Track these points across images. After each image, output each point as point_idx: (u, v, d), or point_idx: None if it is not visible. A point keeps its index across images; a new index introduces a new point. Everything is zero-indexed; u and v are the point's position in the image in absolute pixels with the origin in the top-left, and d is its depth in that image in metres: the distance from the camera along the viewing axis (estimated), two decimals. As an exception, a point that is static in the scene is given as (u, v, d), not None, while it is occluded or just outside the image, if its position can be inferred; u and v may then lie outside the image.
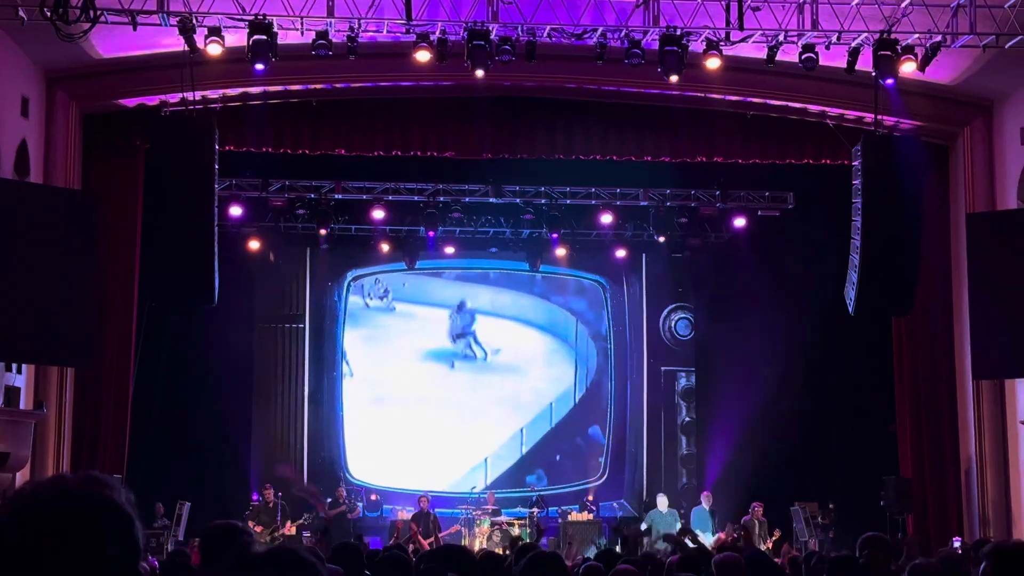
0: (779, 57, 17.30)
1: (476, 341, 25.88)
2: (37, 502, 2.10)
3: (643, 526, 21.57)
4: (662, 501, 22.24)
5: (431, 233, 23.87)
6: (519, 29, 16.76)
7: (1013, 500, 19.68)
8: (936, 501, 20.66)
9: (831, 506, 21.58)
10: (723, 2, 16.67)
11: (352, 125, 20.44)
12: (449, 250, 24.83)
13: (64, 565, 2.06)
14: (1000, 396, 20.03)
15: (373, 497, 23.74)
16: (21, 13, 15.47)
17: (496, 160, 21.39)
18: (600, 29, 16.89)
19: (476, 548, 19.29)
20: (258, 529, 20.43)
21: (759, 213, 23.83)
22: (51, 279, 16.79)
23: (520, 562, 6.09)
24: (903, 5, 16.63)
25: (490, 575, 7.33)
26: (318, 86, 19.54)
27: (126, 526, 2.14)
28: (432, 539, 20.37)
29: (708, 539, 20.52)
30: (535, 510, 22.59)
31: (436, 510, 22.58)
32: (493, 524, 21.93)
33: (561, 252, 24.76)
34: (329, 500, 22.73)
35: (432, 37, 16.76)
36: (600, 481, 25.39)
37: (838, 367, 23.16)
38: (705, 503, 22.35)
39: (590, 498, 24.02)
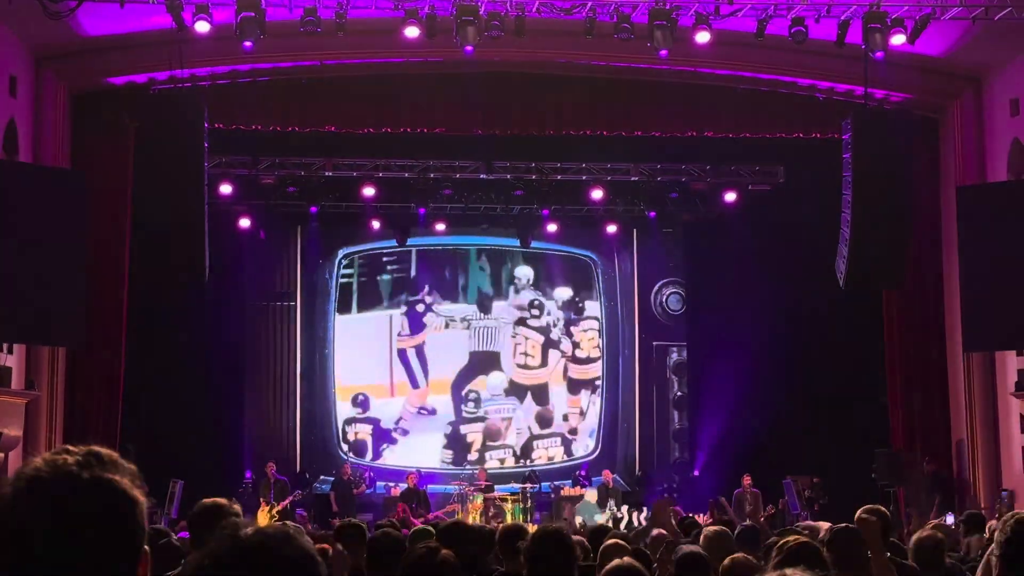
0: (769, 30, 17.28)
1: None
2: (36, 486, 2.09)
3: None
4: (606, 474, 22.78)
5: (422, 210, 23.84)
6: (508, 4, 16.73)
7: (1004, 472, 19.76)
8: (928, 474, 20.71)
9: (815, 480, 21.60)
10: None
11: (342, 102, 20.39)
12: (440, 227, 24.78)
13: (65, 551, 2.05)
14: (991, 368, 20.10)
15: (366, 475, 23.78)
16: (7, -9, 15.40)
17: (486, 136, 21.36)
18: (589, 3, 16.85)
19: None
20: (264, 507, 20.66)
21: (750, 187, 23.82)
22: (41, 258, 16.76)
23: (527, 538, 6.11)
24: (892, -23, 16.62)
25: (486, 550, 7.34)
26: (307, 63, 19.49)
27: (128, 509, 2.13)
28: (422, 517, 20.39)
29: (599, 518, 20.74)
30: (528, 485, 22.62)
31: (428, 487, 22.65)
32: (486, 500, 21.96)
33: (552, 228, 24.72)
34: (334, 479, 22.74)
35: (421, 13, 16.71)
36: (593, 456, 25.43)
37: (829, 341, 23.17)
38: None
39: (582, 473, 24.04)
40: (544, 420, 25.86)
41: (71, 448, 2.15)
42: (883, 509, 6.94)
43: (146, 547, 2.16)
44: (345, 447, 24.97)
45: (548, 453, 25.72)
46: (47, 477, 2.09)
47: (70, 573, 2.04)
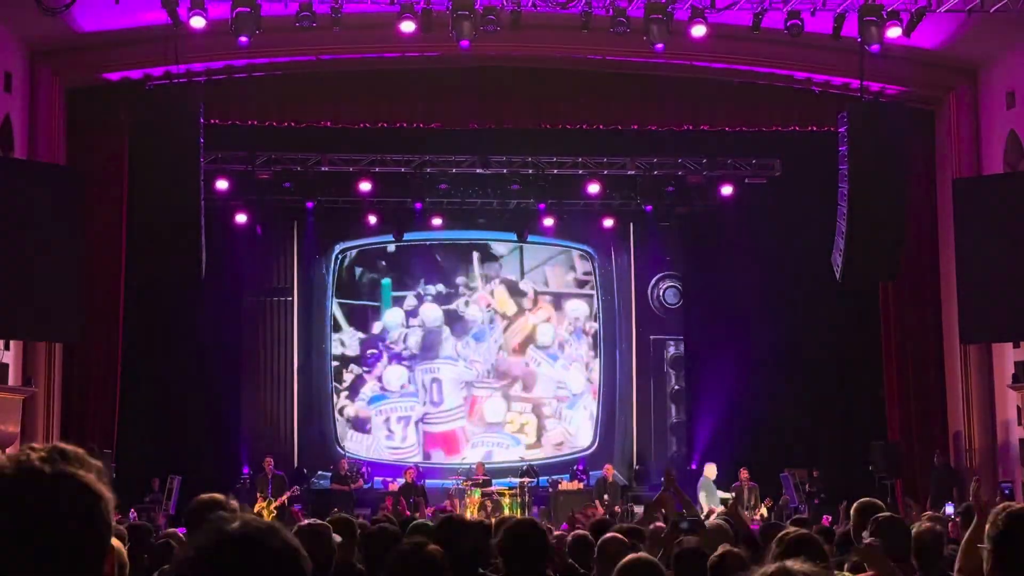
0: (764, 23, 17.27)
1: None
2: (0, 480, 2.07)
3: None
4: (710, 470, 21.89)
5: (418, 205, 23.83)
6: (503, -2, 16.72)
7: (1001, 463, 19.77)
8: (924, 466, 20.73)
9: (815, 473, 21.63)
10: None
11: (338, 97, 20.37)
12: (436, 222, 24.76)
13: (28, 546, 2.03)
14: (987, 360, 20.11)
15: (363, 469, 23.78)
16: (2, -13, 15.38)
17: (482, 130, 21.34)
18: (585, -3, 16.84)
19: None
20: (260, 501, 20.60)
21: (746, 181, 23.82)
22: (37, 254, 16.76)
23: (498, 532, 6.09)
24: (888, -30, 16.62)
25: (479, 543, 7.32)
26: (303, 58, 19.47)
27: (92, 503, 2.11)
28: (419, 512, 20.37)
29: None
30: (525, 480, 22.61)
31: (426, 481, 22.64)
32: (484, 495, 21.97)
33: (549, 222, 24.70)
34: (332, 473, 22.73)
35: (416, 7, 16.69)
36: (590, 450, 25.43)
37: (826, 333, 23.17)
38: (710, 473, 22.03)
39: (580, 467, 24.04)
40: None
41: (36, 446, 2.14)
42: (875, 505, 6.92)
43: (114, 543, 2.15)
44: (342, 441, 24.95)
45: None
46: (9, 472, 2.07)
47: (34, 568, 2.02)
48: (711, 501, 20.76)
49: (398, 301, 25.62)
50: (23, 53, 18.59)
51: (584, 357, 26.12)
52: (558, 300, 26.25)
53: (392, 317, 25.58)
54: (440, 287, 25.71)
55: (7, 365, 17.67)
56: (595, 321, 26.10)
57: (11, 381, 17.70)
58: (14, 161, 17.92)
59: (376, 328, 25.55)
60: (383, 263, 25.67)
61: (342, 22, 16.90)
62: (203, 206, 17.28)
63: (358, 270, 25.64)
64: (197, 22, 16.36)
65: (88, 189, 18.23)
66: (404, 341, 25.55)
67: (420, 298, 25.66)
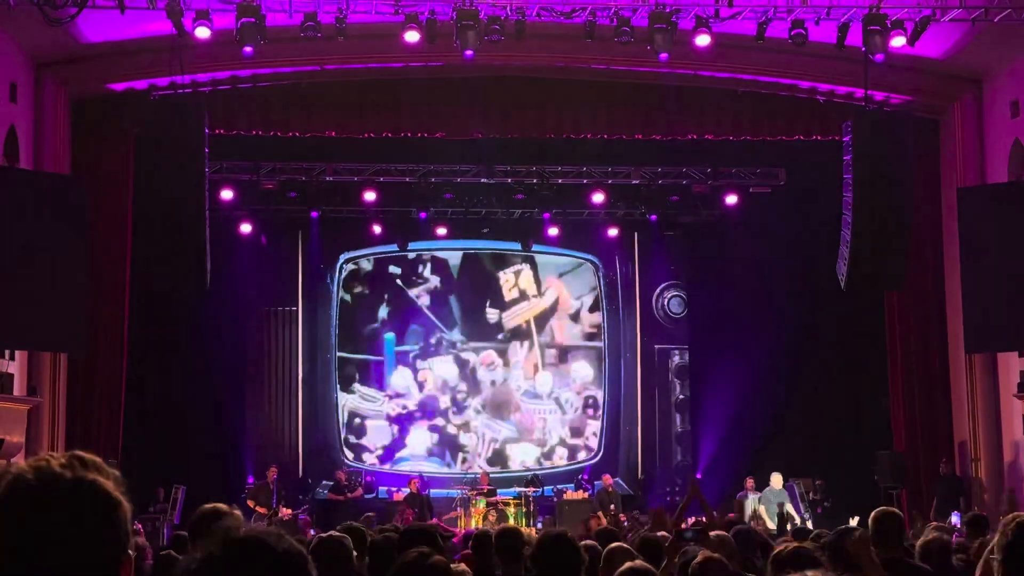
0: (769, 33, 17.27)
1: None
2: (18, 487, 2.08)
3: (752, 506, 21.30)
4: (776, 479, 21.53)
5: (423, 214, 23.84)
6: (508, 8, 16.72)
7: (1006, 473, 19.74)
8: (929, 475, 20.71)
9: (818, 482, 21.58)
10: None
11: (342, 107, 20.39)
12: (441, 231, 24.78)
13: (47, 551, 2.04)
14: (993, 369, 20.09)
15: (367, 479, 23.77)
16: (8, -2, 15.41)
17: (487, 140, 21.34)
18: (589, 7, 16.86)
19: (473, 528, 19.26)
20: (260, 510, 20.49)
21: (750, 190, 23.82)
22: (42, 264, 16.76)
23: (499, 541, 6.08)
24: (892, -21, 16.63)
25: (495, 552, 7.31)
26: (308, 68, 19.48)
27: (111, 510, 2.12)
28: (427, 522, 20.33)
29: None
30: (530, 489, 22.60)
31: (431, 491, 22.61)
32: (489, 504, 21.96)
33: (553, 231, 24.72)
34: (332, 483, 22.75)
35: (421, 17, 16.72)
36: (595, 459, 25.41)
37: (830, 342, 23.16)
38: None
39: (584, 477, 24.02)
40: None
41: (54, 453, 2.15)
42: (893, 513, 6.92)
43: (130, 552, 2.16)
44: (347, 452, 24.96)
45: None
46: (30, 478, 2.09)
47: (53, 573, 2.03)
48: (769, 513, 20.70)
49: (402, 357, 25.69)
50: (28, 63, 18.62)
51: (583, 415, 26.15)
52: (564, 354, 26.25)
53: (401, 377, 25.62)
54: (443, 336, 25.77)
55: (12, 375, 17.67)
56: (600, 388, 26.09)
57: (16, 391, 17.70)
58: (19, 171, 17.94)
59: (389, 388, 25.61)
60: (385, 309, 25.73)
61: (346, 32, 16.91)
62: (208, 216, 17.30)
63: (366, 326, 25.69)
64: (202, 32, 16.39)
65: (93, 199, 18.23)
66: (416, 401, 25.65)
67: (426, 351, 25.69)
